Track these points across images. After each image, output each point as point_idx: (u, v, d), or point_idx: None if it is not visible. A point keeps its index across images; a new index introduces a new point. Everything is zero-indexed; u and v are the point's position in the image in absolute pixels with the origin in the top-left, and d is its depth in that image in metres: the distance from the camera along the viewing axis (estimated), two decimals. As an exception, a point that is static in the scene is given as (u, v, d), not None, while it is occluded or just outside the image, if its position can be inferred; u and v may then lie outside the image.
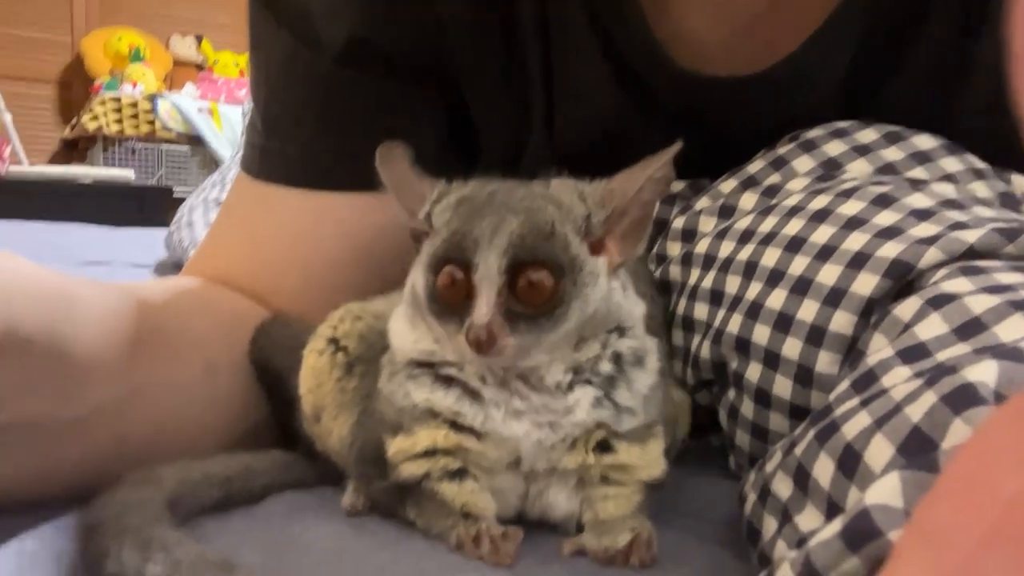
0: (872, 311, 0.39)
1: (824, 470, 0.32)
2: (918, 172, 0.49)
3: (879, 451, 0.29)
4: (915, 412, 0.28)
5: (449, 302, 0.35)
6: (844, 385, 0.35)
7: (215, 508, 0.39)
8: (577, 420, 0.36)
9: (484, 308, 0.33)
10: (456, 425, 0.37)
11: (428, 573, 0.33)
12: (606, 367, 0.37)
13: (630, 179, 0.37)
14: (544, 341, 0.35)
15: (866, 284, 0.39)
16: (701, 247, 0.53)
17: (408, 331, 0.38)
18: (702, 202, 0.57)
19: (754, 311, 0.45)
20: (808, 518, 0.32)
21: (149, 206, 2.83)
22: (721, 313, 0.48)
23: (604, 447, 0.37)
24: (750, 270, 0.47)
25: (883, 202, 0.43)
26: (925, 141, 0.51)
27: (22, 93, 3.48)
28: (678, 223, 0.57)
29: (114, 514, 0.31)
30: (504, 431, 0.36)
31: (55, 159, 3.54)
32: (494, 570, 0.34)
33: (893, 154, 0.50)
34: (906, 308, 0.36)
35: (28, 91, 3.54)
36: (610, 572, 0.36)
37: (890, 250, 0.39)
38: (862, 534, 0.25)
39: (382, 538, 0.37)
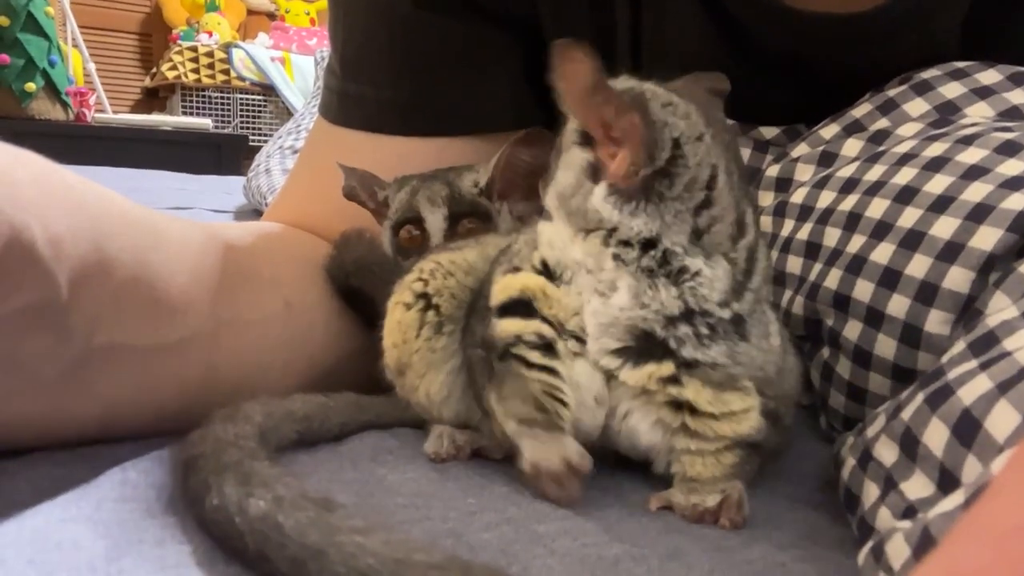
0: (992, 268, 0.36)
1: (936, 436, 0.30)
2: (1047, 117, 0.44)
3: (1003, 418, 0.27)
4: (1047, 377, 0.26)
5: None
6: (959, 347, 0.33)
7: (296, 445, 0.39)
8: (618, 302, 0.35)
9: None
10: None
11: (515, 520, 0.33)
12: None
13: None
14: None
15: (987, 238, 0.36)
16: (797, 197, 0.50)
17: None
18: (799, 149, 0.53)
19: (856, 266, 0.42)
20: (916, 486, 0.30)
21: (226, 154, 2.89)
22: (817, 267, 0.46)
23: (673, 381, 0.35)
24: (852, 222, 0.44)
25: (1008, 150, 0.40)
26: (1055, 83, 0.46)
27: (105, 43, 3.58)
28: (772, 171, 0.54)
29: (211, 449, 0.31)
30: (572, 284, 0.36)
31: (137, 107, 3.66)
32: (583, 517, 0.34)
33: (1018, 97, 0.46)
34: (1034, 265, 0.33)
35: (111, 41, 3.64)
36: (702, 530, 0.35)
37: (1016, 202, 0.36)
38: (989, 506, 0.23)
39: (466, 484, 0.37)
